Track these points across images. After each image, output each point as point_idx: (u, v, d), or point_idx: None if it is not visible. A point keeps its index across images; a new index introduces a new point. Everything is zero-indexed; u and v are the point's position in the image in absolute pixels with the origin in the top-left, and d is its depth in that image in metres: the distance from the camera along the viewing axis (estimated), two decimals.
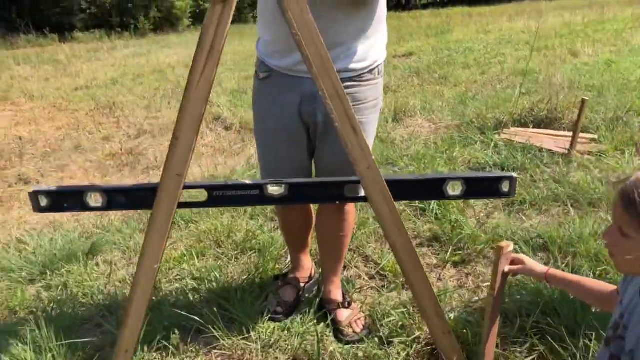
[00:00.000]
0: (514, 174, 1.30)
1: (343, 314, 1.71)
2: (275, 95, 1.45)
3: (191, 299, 1.89)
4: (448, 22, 12.78)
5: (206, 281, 1.98)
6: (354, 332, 1.66)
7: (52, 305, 1.93)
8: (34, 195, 1.28)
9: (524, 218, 2.35)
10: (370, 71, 1.42)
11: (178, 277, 2.08)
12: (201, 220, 2.54)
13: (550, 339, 1.51)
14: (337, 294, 1.77)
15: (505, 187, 1.30)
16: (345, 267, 2.01)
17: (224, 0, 1.11)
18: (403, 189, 1.29)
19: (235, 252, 2.21)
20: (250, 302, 1.77)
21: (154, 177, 3.51)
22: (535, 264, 1.34)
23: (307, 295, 1.87)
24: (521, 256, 1.36)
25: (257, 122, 1.56)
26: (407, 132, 3.78)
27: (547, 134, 3.33)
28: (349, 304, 1.75)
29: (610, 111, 3.65)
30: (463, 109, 4.27)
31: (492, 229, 2.22)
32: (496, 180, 1.30)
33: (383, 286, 1.93)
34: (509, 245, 1.34)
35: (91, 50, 12.66)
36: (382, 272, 2.01)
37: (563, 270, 1.51)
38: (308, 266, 1.92)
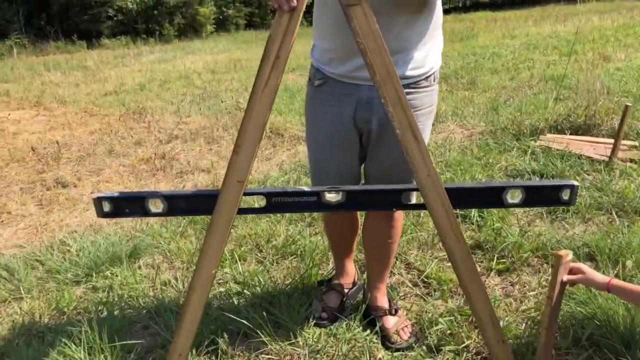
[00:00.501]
0: (575, 182, 1.29)
1: (390, 321, 1.70)
2: (331, 102, 1.46)
3: (236, 303, 1.91)
4: (472, 27, 12.69)
5: (250, 285, 2.00)
6: (401, 339, 1.65)
7: (99, 306, 1.97)
8: (98, 201, 1.31)
9: (567, 226, 2.31)
10: (427, 78, 1.42)
11: (221, 280, 2.10)
12: (239, 225, 2.56)
13: (606, 351, 1.48)
14: (383, 301, 1.76)
15: (565, 195, 1.29)
16: None
17: (291, 10, 1.13)
18: (462, 197, 1.28)
19: (276, 257, 2.23)
20: (297, 308, 1.78)
21: (189, 182, 3.56)
22: (595, 274, 1.32)
23: (350, 301, 1.86)
24: (580, 265, 1.34)
25: (310, 127, 1.57)
26: (440, 138, 3.76)
27: (585, 141, 3.26)
28: (396, 311, 1.74)
29: None
30: (495, 114, 4.23)
31: (536, 237, 2.19)
32: (556, 189, 1.28)
33: (427, 294, 1.92)
34: (568, 254, 1.33)
35: (118, 57, 12.95)
36: (425, 280, 2.00)
37: None
38: (352, 272, 1.92)
